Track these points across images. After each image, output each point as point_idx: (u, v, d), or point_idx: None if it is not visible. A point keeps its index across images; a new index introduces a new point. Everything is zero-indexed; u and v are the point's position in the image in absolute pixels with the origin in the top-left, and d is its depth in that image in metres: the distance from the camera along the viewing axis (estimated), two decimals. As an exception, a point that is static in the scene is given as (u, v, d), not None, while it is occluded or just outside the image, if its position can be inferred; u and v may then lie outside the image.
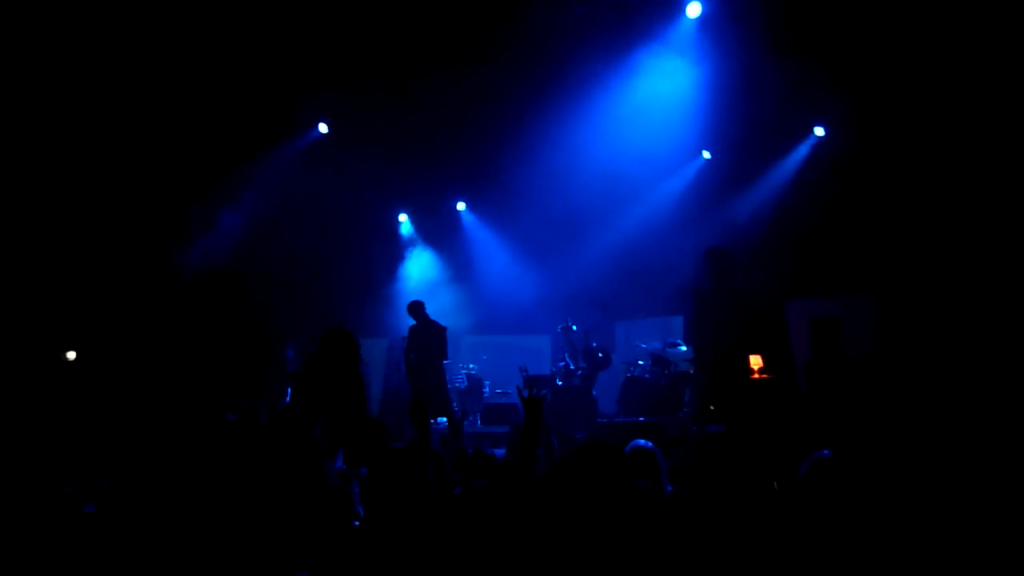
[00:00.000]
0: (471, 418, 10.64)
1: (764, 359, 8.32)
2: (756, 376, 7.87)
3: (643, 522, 2.67)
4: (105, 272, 10.18)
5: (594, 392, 9.80)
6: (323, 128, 10.75)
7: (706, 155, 10.86)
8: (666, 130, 9.87)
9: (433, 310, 9.64)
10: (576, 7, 8.72)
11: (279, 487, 3.85)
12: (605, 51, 9.17)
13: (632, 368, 10.16)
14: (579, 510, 2.66)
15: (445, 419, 8.94)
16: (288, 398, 9.78)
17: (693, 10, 8.86)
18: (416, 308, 9.47)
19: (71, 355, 10.34)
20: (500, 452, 7.12)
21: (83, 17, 8.20)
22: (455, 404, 10.04)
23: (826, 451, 3.34)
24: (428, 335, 9.33)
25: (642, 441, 3.97)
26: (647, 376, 9.84)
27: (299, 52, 9.05)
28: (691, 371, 9.20)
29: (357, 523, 4.13)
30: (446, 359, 9.60)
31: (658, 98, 9.66)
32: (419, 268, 12.58)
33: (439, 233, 12.61)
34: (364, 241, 11.83)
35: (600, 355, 10.10)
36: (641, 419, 9.02)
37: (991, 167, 7.80)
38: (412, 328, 9.49)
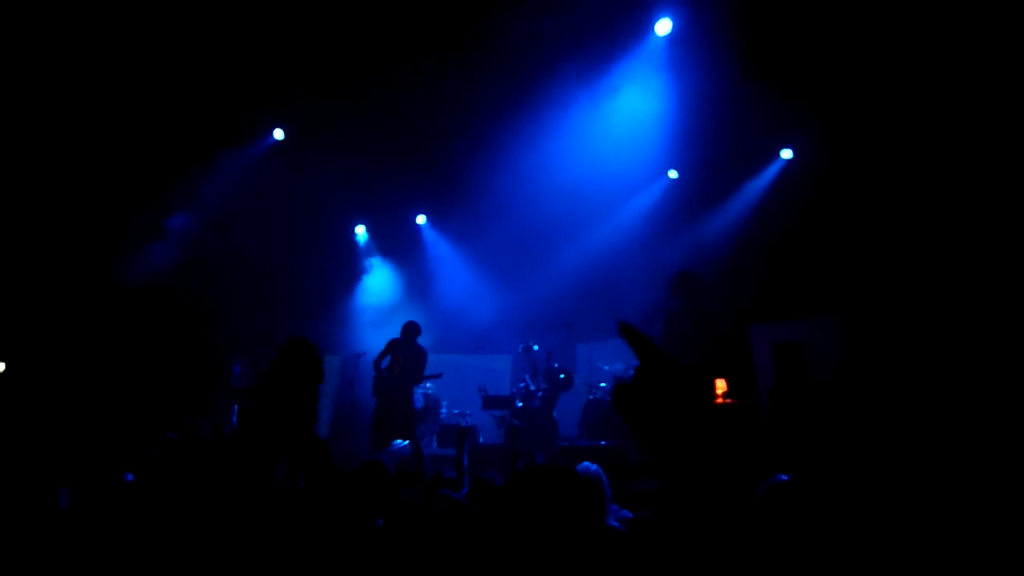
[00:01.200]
0: (427, 439, 10.59)
1: (728, 383, 8.44)
2: (719, 401, 7.97)
3: (577, 550, 2.67)
4: (40, 280, 9.90)
5: (555, 414, 9.80)
6: (279, 134, 10.64)
7: (673, 174, 11.01)
8: (633, 148, 10.01)
9: (393, 328, 9.62)
10: (544, 20, 8.80)
11: (225, 507, 3.79)
12: (574, 66, 9.28)
13: (594, 390, 10.21)
14: (521, 536, 2.65)
15: (407, 442, 8.89)
16: (235, 416, 9.62)
17: (663, 27, 9.02)
18: (411, 328, 9.47)
19: (0, 367, 10.01)
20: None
21: (23, 13, 8.02)
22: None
23: (783, 475, 3.38)
24: (411, 355, 9.33)
25: (587, 464, 3.97)
26: (610, 399, 9.87)
27: (253, 53, 8.94)
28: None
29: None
30: (419, 384, 9.62)
31: (626, 115, 9.81)
32: (376, 283, 12.49)
33: (397, 247, 12.57)
34: (318, 253, 11.72)
35: (562, 376, 10.11)
36: (603, 443, 9.06)
37: (955, 190, 8.05)
38: (394, 341, 9.46)
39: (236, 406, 9.68)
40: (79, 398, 9.39)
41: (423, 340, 9.74)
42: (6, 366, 9.91)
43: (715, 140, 9.72)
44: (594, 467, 3.98)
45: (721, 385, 8.28)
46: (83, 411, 9.05)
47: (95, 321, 10.20)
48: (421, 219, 12.60)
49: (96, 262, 10.21)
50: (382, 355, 9.47)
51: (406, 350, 9.41)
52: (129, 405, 9.34)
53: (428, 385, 11.29)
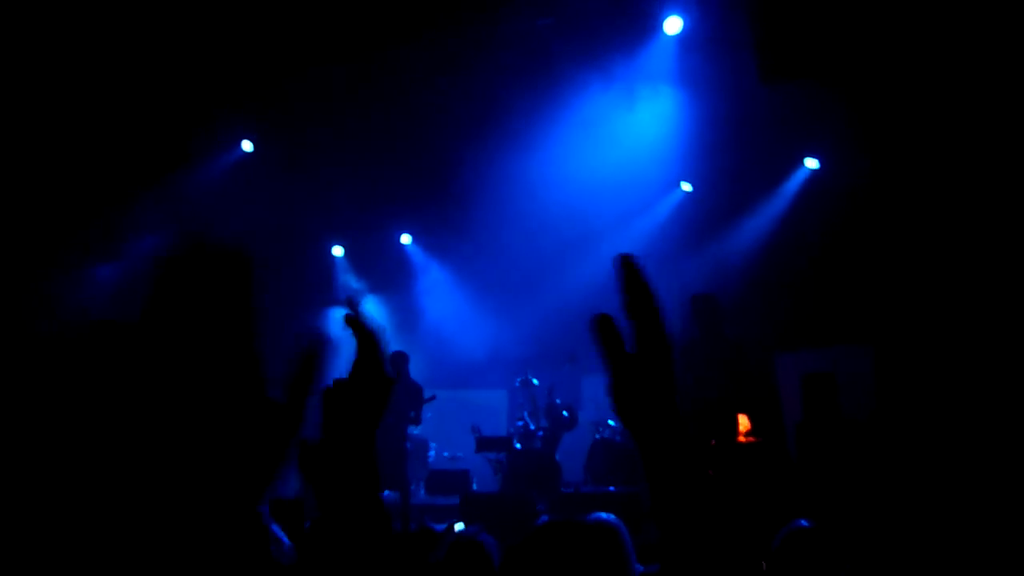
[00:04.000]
0: (413, 487, 10.57)
1: (751, 420, 8.45)
2: (742, 439, 7.98)
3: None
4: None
5: (557, 456, 9.83)
6: (247, 146, 10.71)
7: (686, 187, 11.09)
8: (642, 159, 10.10)
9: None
10: (539, 19, 8.89)
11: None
12: (575, 70, 9.36)
13: (601, 429, 10.21)
14: None
15: (396, 493, 8.91)
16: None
17: (672, 26, 9.10)
18: (400, 361, 9.45)
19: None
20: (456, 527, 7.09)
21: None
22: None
23: (803, 521, 3.38)
24: (402, 394, 9.34)
25: (604, 514, 3.97)
26: (618, 439, 9.89)
27: (216, 54, 8.92)
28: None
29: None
30: (418, 425, 9.71)
31: (634, 123, 9.91)
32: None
33: (380, 269, 12.65)
34: (292, 276, 11.72)
35: (565, 414, 10.16)
36: (611, 488, 9.14)
37: (997, 207, 8.10)
38: None
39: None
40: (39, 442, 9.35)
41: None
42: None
43: (732, 149, 9.79)
44: (611, 517, 3.98)
45: (744, 422, 8.30)
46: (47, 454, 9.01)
47: (40, 359, 10.17)
48: (406, 238, 12.67)
49: (42, 284, 10.22)
50: None
51: (398, 388, 9.43)
52: (90, 444, 9.30)
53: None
